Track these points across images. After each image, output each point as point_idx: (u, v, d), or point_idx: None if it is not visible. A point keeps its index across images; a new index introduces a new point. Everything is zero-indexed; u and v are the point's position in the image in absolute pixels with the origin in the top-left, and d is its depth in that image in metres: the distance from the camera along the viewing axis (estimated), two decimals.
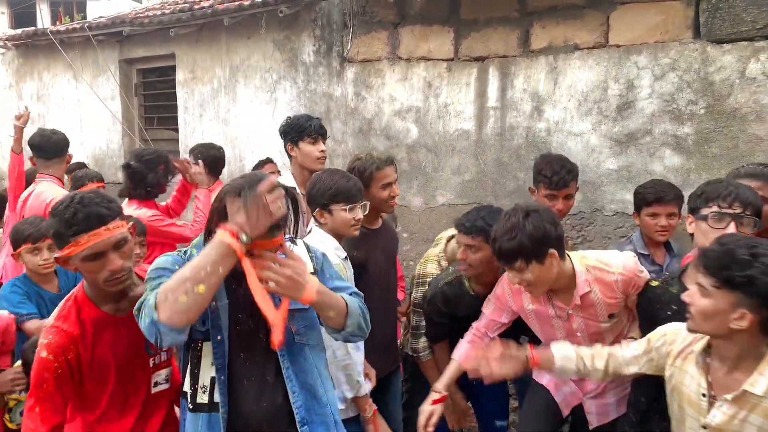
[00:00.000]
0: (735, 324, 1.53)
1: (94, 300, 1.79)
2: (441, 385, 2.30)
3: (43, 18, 17.79)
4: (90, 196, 1.69)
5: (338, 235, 2.39)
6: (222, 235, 1.48)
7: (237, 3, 4.86)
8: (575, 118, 3.80)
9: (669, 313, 1.95)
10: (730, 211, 1.90)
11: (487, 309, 2.43)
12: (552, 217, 2.01)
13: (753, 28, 3.28)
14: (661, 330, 1.86)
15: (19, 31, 6.93)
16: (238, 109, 5.40)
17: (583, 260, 2.14)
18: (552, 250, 1.97)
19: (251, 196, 1.48)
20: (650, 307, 2.08)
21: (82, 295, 1.80)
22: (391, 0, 4.10)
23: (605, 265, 2.11)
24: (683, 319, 1.69)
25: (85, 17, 19.33)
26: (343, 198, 2.32)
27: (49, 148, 3.74)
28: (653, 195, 2.75)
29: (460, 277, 2.56)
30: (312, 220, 2.48)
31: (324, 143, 3.16)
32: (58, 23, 19.43)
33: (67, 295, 1.84)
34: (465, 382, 2.54)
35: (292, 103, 5.05)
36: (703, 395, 1.66)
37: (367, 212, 2.45)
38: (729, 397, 1.60)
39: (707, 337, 1.68)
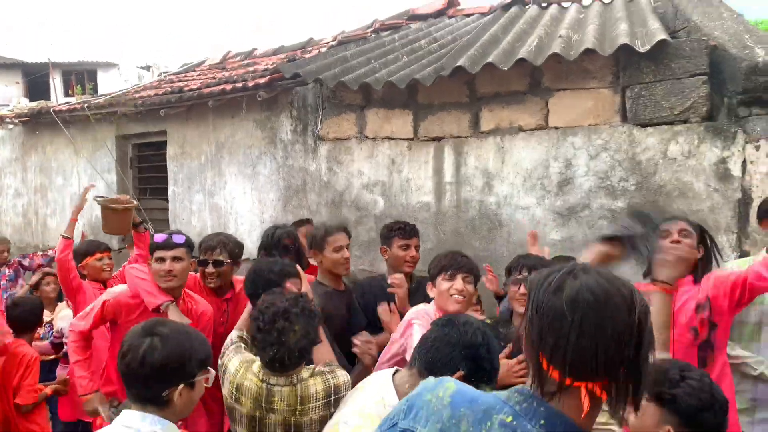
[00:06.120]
0: None
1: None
2: None
3: (56, 88, 18.71)
4: None
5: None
6: None
7: (221, 87, 5.32)
8: (521, 193, 4.14)
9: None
10: (520, 276, 2.58)
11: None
12: None
13: (671, 114, 3.65)
14: None
15: (26, 108, 7.45)
16: (222, 182, 5.79)
17: None
18: None
19: None
20: None
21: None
22: (356, 87, 4.52)
23: None
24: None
25: (95, 87, 20.34)
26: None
27: None
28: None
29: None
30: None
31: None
32: (70, 92, 20.41)
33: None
34: None
35: (272, 177, 5.43)
36: None
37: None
38: None
39: None
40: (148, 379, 1.67)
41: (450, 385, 1.19)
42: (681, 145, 3.62)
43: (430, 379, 1.26)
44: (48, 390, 3.60)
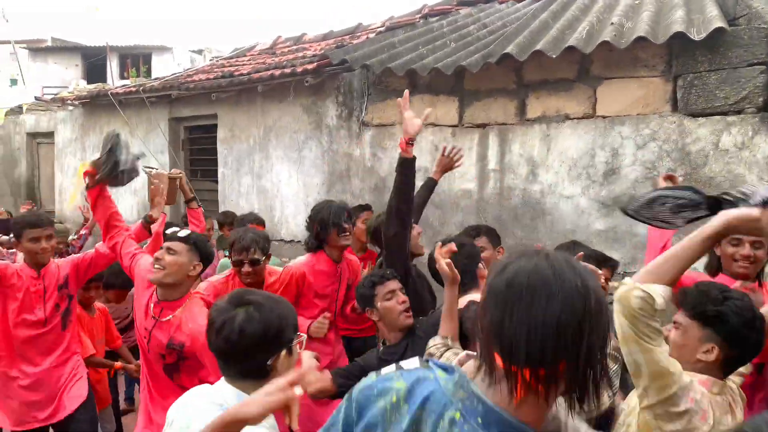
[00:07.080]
0: (703, 356, 1.74)
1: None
2: None
3: (113, 71, 19.37)
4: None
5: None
6: None
7: (270, 72, 5.43)
8: (566, 182, 4.10)
9: None
10: None
11: None
12: None
13: (725, 104, 3.54)
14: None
15: (85, 90, 7.77)
16: (269, 165, 5.93)
17: None
18: None
19: None
20: None
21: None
22: (402, 73, 4.54)
23: None
24: None
25: (149, 70, 20.93)
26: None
27: None
28: None
29: None
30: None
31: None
32: (125, 74, 21.06)
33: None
34: None
35: (317, 161, 5.53)
36: None
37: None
38: None
39: None
40: (251, 351, 1.59)
41: (400, 385, 1.12)
42: (734, 136, 3.51)
43: (372, 377, 1.17)
44: (118, 364, 3.83)
